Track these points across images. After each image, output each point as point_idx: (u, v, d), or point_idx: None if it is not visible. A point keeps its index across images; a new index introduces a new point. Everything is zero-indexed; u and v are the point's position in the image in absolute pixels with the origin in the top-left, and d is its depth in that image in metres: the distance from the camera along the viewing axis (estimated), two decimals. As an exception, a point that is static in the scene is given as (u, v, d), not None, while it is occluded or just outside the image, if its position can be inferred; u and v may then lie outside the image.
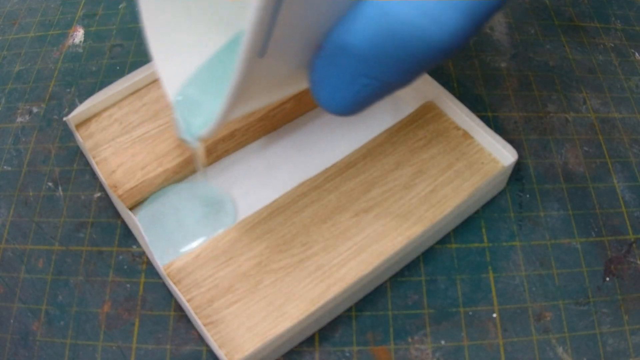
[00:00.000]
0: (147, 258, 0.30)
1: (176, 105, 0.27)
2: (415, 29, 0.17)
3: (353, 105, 0.20)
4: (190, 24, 0.27)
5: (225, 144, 0.32)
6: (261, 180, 0.32)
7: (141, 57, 0.38)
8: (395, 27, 0.18)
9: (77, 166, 0.33)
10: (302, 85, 0.23)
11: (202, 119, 0.26)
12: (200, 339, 0.28)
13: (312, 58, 0.20)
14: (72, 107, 0.35)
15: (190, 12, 0.27)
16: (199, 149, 0.28)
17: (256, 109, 0.25)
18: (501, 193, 0.32)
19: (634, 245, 0.30)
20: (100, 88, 0.33)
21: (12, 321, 0.28)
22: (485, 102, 0.35)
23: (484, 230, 0.31)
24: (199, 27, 0.27)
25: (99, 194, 0.32)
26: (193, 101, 0.27)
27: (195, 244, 0.29)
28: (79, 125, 0.33)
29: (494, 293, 0.29)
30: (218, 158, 0.33)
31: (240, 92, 0.19)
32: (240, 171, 0.32)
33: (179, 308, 0.29)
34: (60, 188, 0.33)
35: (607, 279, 0.29)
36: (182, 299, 0.26)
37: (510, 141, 0.33)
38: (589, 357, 0.27)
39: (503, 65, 0.37)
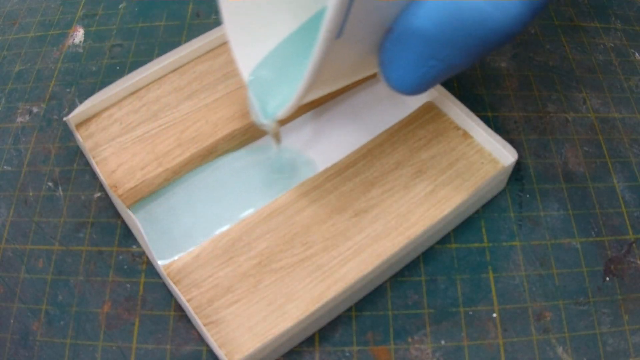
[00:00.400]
0: (147, 258, 0.30)
1: (250, 86, 0.28)
2: (480, 13, 0.19)
3: (419, 85, 0.22)
4: (265, 7, 0.28)
5: (226, 144, 0.32)
6: (260, 182, 0.32)
7: (141, 57, 0.38)
8: (461, 11, 0.19)
9: (77, 166, 0.33)
10: (369, 70, 0.24)
11: (277, 99, 0.27)
12: (200, 339, 0.28)
13: (382, 40, 0.22)
14: (72, 107, 0.35)
15: None
16: (275, 129, 0.28)
17: (326, 92, 0.26)
18: (501, 193, 0.32)
19: (634, 245, 0.30)
20: (100, 88, 0.33)
21: (12, 321, 0.28)
22: (485, 102, 0.35)
23: (484, 230, 0.31)
24: (274, 10, 0.28)
25: (99, 194, 0.32)
26: (267, 82, 0.28)
27: (194, 243, 0.29)
28: (79, 125, 0.33)
29: (494, 293, 0.29)
30: (217, 153, 0.33)
31: (318, 72, 0.21)
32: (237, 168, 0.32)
33: (179, 308, 0.29)
34: (60, 188, 0.33)
35: (607, 279, 0.29)
36: (182, 299, 0.26)
37: (510, 141, 0.33)
38: (589, 357, 0.27)
39: (503, 65, 0.37)
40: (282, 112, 0.25)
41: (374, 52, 0.22)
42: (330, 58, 0.20)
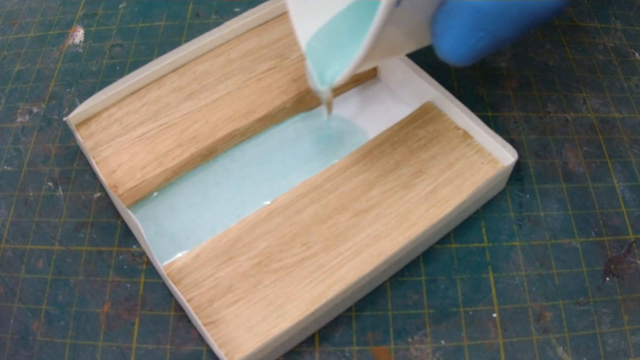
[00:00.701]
0: (147, 258, 0.30)
1: (308, 55, 0.29)
2: None
3: (468, 56, 0.23)
4: None
5: (225, 144, 0.32)
6: (261, 182, 0.32)
7: (141, 57, 0.38)
8: None
9: (77, 166, 0.33)
10: (420, 42, 0.26)
11: (334, 68, 0.28)
12: (200, 339, 0.28)
13: (435, 12, 0.23)
14: (72, 107, 0.35)
15: None
16: (329, 97, 0.31)
17: (379, 62, 0.28)
18: (501, 193, 0.32)
19: (634, 245, 0.30)
20: (100, 88, 0.33)
21: (12, 321, 0.28)
22: (485, 102, 0.35)
23: (484, 230, 0.31)
24: None
25: (99, 194, 0.32)
26: (324, 51, 0.29)
27: (194, 243, 0.29)
28: (79, 125, 0.33)
29: (494, 293, 0.29)
30: (217, 153, 0.33)
31: (377, 40, 0.22)
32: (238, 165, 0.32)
33: (179, 308, 0.29)
34: (60, 188, 0.33)
35: (607, 279, 0.29)
36: (182, 299, 0.26)
37: (510, 141, 0.33)
38: (589, 357, 0.27)
39: (503, 65, 0.37)
40: (338, 79, 0.26)
41: (427, 23, 0.24)
42: (388, 26, 0.22)
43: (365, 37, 0.22)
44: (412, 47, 0.27)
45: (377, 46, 0.23)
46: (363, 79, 0.36)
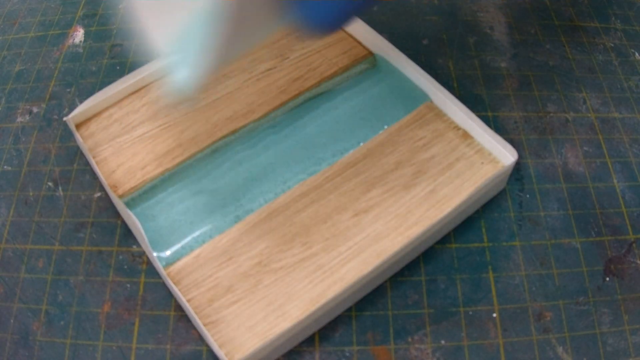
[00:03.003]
0: (147, 258, 0.30)
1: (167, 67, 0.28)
2: None
3: (336, 20, 0.22)
4: None
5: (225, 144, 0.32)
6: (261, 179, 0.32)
7: (141, 57, 0.38)
8: None
9: (77, 166, 0.33)
10: (281, 22, 0.24)
11: (185, 74, 0.26)
12: (200, 339, 0.28)
13: None
14: (72, 107, 0.35)
15: None
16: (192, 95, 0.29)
17: (239, 57, 0.28)
18: (501, 193, 0.32)
19: (634, 245, 0.30)
20: (100, 88, 0.33)
21: (12, 321, 0.28)
22: (485, 102, 0.35)
23: (484, 230, 0.31)
24: None
25: (99, 194, 0.32)
26: (177, 59, 0.27)
27: (195, 242, 0.29)
28: (79, 125, 0.33)
29: (494, 293, 0.29)
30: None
31: (221, 47, 0.22)
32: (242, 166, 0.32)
33: (179, 308, 0.29)
34: (60, 188, 0.33)
35: (607, 279, 0.29)
36: (182, 299, 0.26)
37: (510, 141, 0.33)
38: (589, 357, 0.27)
39: (503, 65, 0.37)
40: (191, 87, 0.25)
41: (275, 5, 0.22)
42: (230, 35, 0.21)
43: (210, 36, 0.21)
44: (266, 33, 0.25)
45: (225, 50, 0.22)
46: (359, 60, 0.35)
